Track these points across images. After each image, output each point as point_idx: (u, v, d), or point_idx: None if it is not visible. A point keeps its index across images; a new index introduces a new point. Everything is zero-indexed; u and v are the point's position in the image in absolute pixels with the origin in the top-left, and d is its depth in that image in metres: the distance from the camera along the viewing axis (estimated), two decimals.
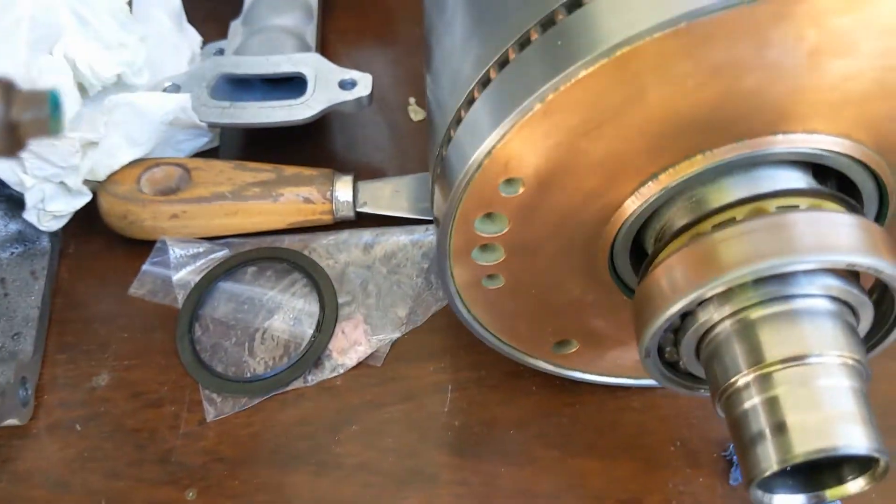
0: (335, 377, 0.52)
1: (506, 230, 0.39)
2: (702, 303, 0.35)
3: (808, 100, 0.34)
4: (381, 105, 0.64)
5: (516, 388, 0.51)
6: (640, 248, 0.41)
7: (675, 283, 0.35)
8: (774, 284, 0.34)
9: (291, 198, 0.56)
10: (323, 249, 0.56)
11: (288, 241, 0.57)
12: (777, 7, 0.31)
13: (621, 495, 0.47)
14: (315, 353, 0.52)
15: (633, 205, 0.37)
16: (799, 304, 0.34)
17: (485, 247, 0.40)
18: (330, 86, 0.59)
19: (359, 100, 0.58)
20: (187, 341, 0.53)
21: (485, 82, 0.36)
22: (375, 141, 0.63)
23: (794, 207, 0.36)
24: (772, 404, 0.34)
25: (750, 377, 0.34)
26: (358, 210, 0.57)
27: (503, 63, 0.35)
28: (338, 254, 0.56)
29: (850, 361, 0.34)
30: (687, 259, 0.35)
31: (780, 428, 0.33)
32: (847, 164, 0.36)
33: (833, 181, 0.38)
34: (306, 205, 0.56)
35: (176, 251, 0.56)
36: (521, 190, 0.37)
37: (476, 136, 0.35)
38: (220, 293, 0.55)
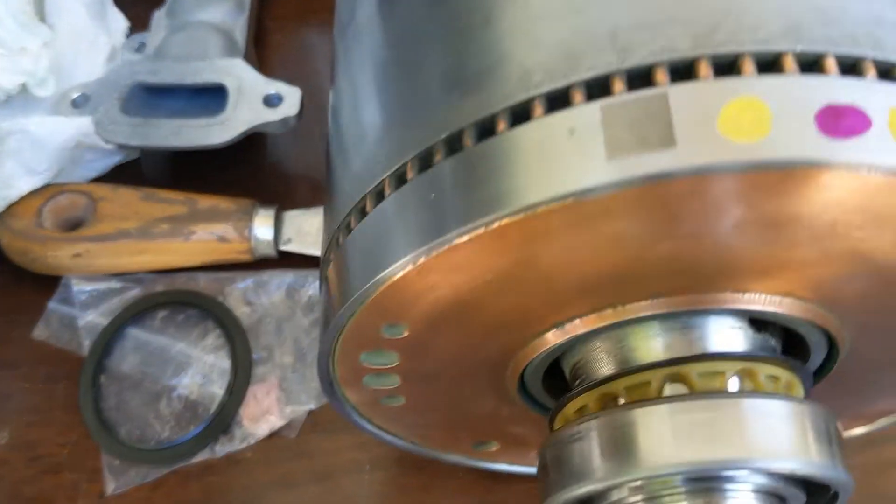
0: (245, 448, 0.48)
1: (396, 363, 0.34)
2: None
3: (736, 265, 0.28)
4: (322, 113, 0.58)
5: (440, 470, 0.46)
6: (556, 367, 0.35)
7: (587, 460, 0.30)
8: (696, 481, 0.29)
9: (204, 236, 0.50)
10: (240, 293, 0.51)
11: (204, 281, 0.52)
12: (688, 186, 0.24)
13: None
14: (224, 419, 0.48)
15: (554, 339, 0.32)
16: (722, 498, 0.29)
17: (378, 373, 0.35)
18: (254, 101, 0.52)
19: (284, 120, 0.52)
20: (90, 398, 0.49)
21: (400, 179, 0.29)
22: (309, 160, 0.57)
23: (720, 379, 0.30)
24: None
25: None
26: (281, 248, 0.51)
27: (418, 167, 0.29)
28: (256, 299, 0.51)
29: None
30: (603, 434, 0.30)
31: None
32: (788, 319, 0.31)
33: (775, 329, 0.32)
34: (221, 244, 0.50)
35: (82, 289, 0.51)
36: (406, 333, 0.32)
37: (370, 262, 0.29)
38: (127, 341, 0.51)
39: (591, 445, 0.30)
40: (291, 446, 0.48)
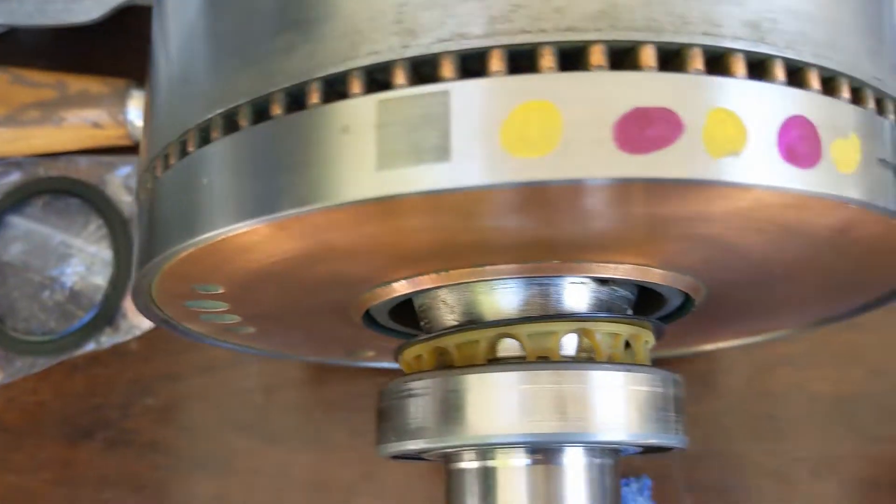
0: (130, 340, 0.47)
1: (225, 308, 0.32)
2: None
3: (573, 242, 0.26)
4: None
5: (327, 366, 0.46)
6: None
7: (419, 419, 0.29)
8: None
9: (77, 122, 0.47)
10: (121, 181, 0.48)
11: (85, 165, 0.49)
12: (468, 197, 0.21)
13: (423, 492, 0.44)
14: (108, 311, 0.47)
15: (401, 289, 0.30)
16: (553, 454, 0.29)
17: (210, 314, 0.33)
18: None
19: None
20: None
21: (229, 123, 0.25)
22: None
23: (553, 339, 0.28)
24: None
25: None
26: None
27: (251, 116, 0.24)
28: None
29: None
30: (434, 396, 0.29)
31: None
32: (637, 282, 0.29)
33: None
34: (96, 130, 0.47)
35: None
36: (222, 290, 0.30)
37: (182, 221, 0.26)
38: (9, 229, 0.49)
39: (422, 404, 0.29)
40: (176, 339, 0.47)
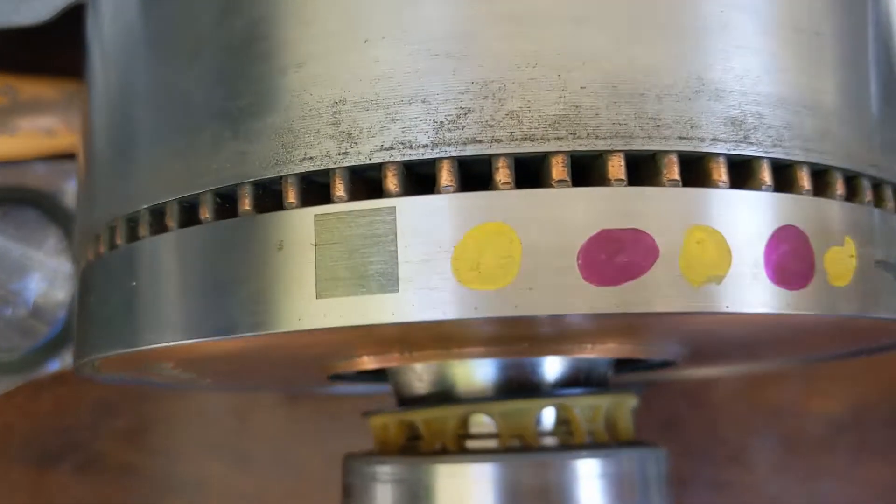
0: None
1: (179, 375, 0.30)
2: None
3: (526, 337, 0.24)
4: None
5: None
6: None
7: None
8: None
9: (30, 130, 0.44)
10: None
11: (42, 172, 0.46)
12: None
13: None
14: (72, 328, 0.45)
15: (370, 363, 0.28)
16: None
17: (162, 378, 0.31)
18: None
19: None
20: None
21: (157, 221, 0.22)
22: None
23: (527, 417, 0.26)
24: None
25: None
26: None
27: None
28: None
29: None
30: (404, 488, 0.26)
31: None
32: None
33: None
34: (50, 139, 0.44)
35: None
36: (171, 366, 0.28)
37: (120, 327, 0.23)
38: None
39: (389, 492, 0.27)
40: None
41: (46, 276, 0.46)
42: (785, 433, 0.42)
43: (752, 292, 0.18)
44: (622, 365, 0.31)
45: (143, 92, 0.23)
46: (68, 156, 0.46)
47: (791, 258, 0.19)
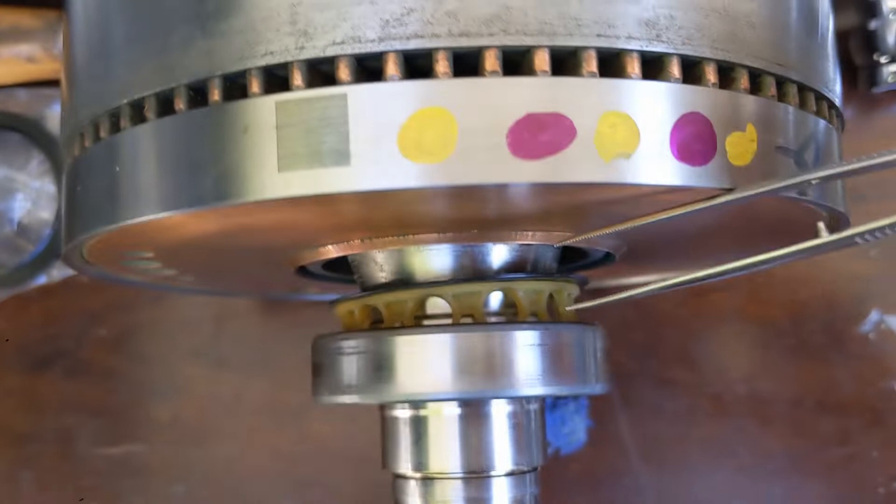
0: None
1: (159, 267, 0.33)
2: None
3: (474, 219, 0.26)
4: None
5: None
6: None
7: (351, 376, 0.30)
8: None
9: (9, 57, 0.46)
10: (59, 117, 0.48)
11: (25, 98, 0.48)
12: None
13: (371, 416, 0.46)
14: (56, 245, 0.47)
15: (334, 252, 0.31)
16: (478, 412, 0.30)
17: (145, 270, 0.34)
18: None
19: None
20: None
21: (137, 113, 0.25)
22: None
23: (477, 299, 0.30)
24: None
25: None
26: None
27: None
28: None
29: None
30: (367, 357, 0.30)
31: None
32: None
33: None
34: (31, 64, 0.46)
35: None
36: (151, 255, 0.30)
37: (107, 204, 0.26)
38: None
39: (354, 363, 0.30)
40: None
41: (30, 197, 0.48)
42: (726, 336, 0.46)
43: (656, 166, 0.21)
44: (570, 261, 0.34)
45: (119, 2, 0.25)
46: (50, 82, 0.48)
47: (694, 139, 0.22)
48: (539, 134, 0.21)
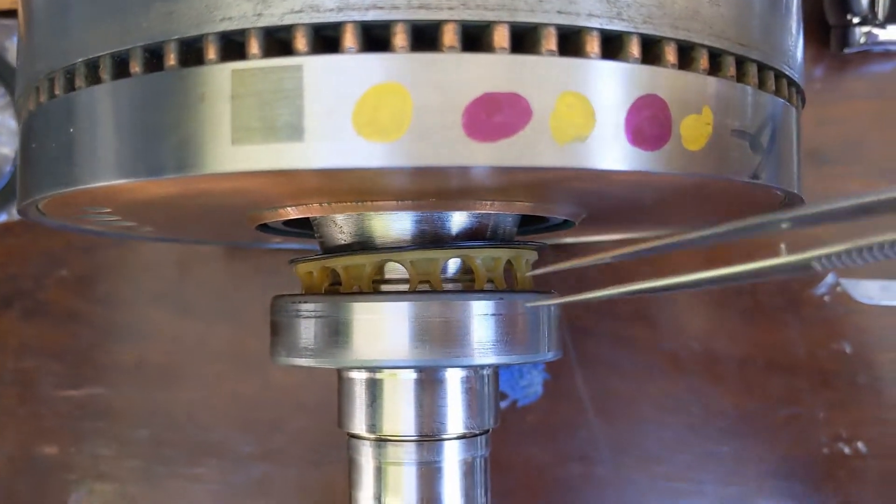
0: None
1: (118, 220, 0.32)
2: None
3: (431, 190, 0.26)
4: None
5: None
6: None
7: (309, 340, 0.30)
8: None
9: None
10: None
11: None
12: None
13: None
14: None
15: (293, 213, 0.31)
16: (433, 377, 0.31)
17: (105, 222, 0.34)
18: None
19: None
20: None
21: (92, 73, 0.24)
22: None
23: (434, 266, 0.30)
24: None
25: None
26: None
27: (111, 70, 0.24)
28: None
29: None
30: (324, 322, 0.30)
31: None
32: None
33: None
34: None
35: None
36: (109, 210, 0.30)
37: (62, 167, 0.26)
38: None
39: (311, 326, 0.30)
40: None
41: None
42: (684, 295, 0.46)
43: (610, 151, 0.21)
44: (530, 224, 0.34)
45: None
46: (10, 12, 0.47)
47: (649, 123, 0.22)
48: (494, 115, 0.21)
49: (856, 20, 0.44)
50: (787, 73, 0.26)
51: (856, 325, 0.46)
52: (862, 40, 0.44)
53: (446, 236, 0.30)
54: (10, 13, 0.47)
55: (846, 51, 0.44)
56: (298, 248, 0.44)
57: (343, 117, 0.21)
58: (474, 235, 0.31)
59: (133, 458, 0.47)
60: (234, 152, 0.21)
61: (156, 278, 0.47)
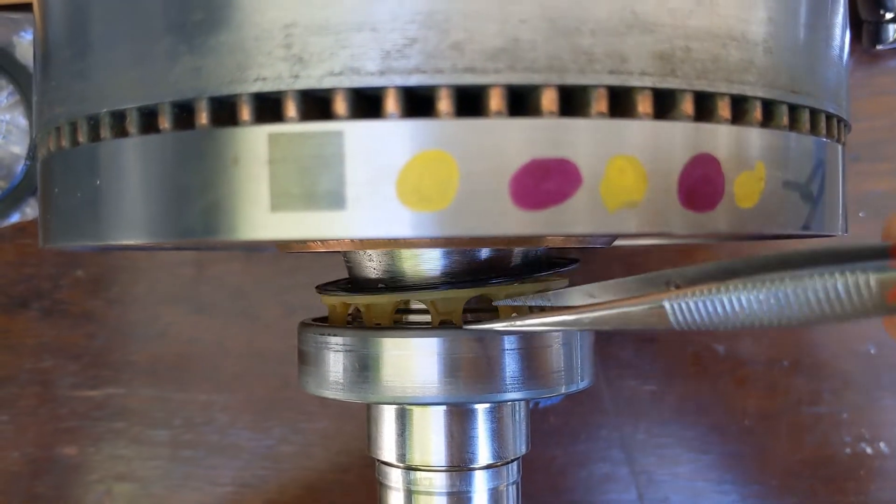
0: None
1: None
2: None
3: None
4: None
5: None
6: None
7: (338, 374, 0.30)
8: None
9: None
10: (30, 44, 0.45)
11: None
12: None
13: None
14: (30, 181, 0.46)
15: (317, 247, 0.30)
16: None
17: None
18: None
19: None
20: None
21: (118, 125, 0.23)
22: None
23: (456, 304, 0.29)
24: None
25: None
26: None
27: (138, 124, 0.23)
28: None
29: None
30: (355, 355, 0.29)
31: None
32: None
33: None
34: None
35: None
36: None
37: (89, 220, 0.24)
38: None
39: (340, 360, 0.30)
40: None
41: (0, 131, 0.46)
42: None
43: (662, 215, 0.20)
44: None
45: None
46: (17, 6, 0.45)
47: (702, 183, 0.21)
48: (543, 182, 0.20)
49: (889, 16, 0.43)
50: (835, 112, 0.25)
51: (879, 326, 0.45)
52: (894, 37, 0.43)
53: (474, 272, 0.30)
54: (18, 7, 0.45)
55: (879, 47, 0.43)
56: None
57: (387, 185, 0.20)
58: (501, 270, 0.30)
59: (152, 458, 0.47)
60: (272, 219, 0.20)
61: (172, 278, 0.46)
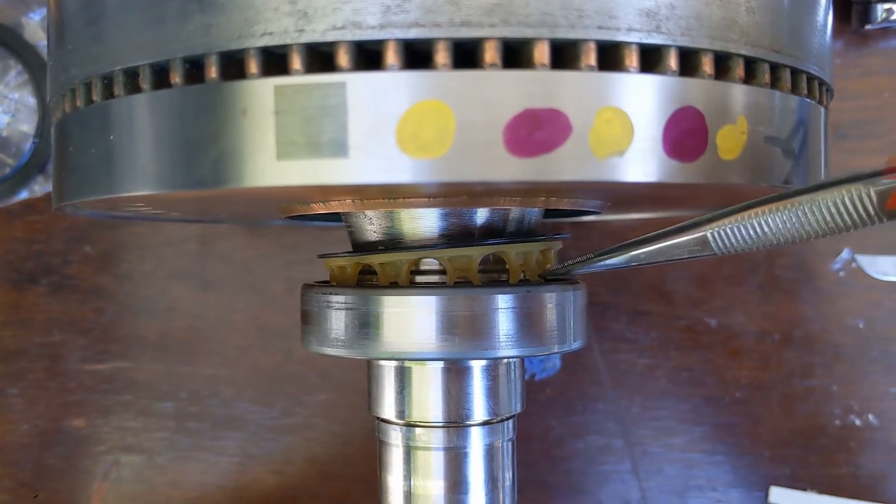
0: None
1: (150, 210, 0.33)
2: None
3: (464, 190, 0.27)
4: None
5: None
6: None
7: (339, 331, 0.31)
8: None
9: None
10: (38, 24, 0.47)
11: (1, 5, 0.47)
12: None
13: None
14: (39, 159, 0.47)
15: (320, 209, 0.31)
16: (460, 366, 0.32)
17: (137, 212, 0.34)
18: None
19: None
20: None
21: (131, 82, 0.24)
22: None
23: (470, 262, 0.30)
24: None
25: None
26: None
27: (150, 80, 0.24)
28: None
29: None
30: (356, 313, 0.30)
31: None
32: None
33: None
34: None
35: None
36: (142, 205, 0.30)
37: (100, 174, 0.25)
38: None
39: (342, 318, 0.31)
40: None
41: (9, 110, 0.47)
42: (701, 271, 0.47)
43: (648, 164, 0.22)
44: (554, 211, 0.34)
45: None
46: None
47: (686, 135, 0.22)
48: (535, 131, 0.21)
49: None
50: (817, 74, 0.26)
51: (870, 300, 0.46)
52: (883, 16, 0.44)
53: (473, 231, 0.31)
54: None
55: (867, 27, 0.44)
56: (322, 225, 0.45)
57: (387, 134, 0.21)
58: (501, 228, 0.31)
59: (159, 430, 0.48)
60: (278, 167, 0.21)
61: (178, 254, 0.48)
